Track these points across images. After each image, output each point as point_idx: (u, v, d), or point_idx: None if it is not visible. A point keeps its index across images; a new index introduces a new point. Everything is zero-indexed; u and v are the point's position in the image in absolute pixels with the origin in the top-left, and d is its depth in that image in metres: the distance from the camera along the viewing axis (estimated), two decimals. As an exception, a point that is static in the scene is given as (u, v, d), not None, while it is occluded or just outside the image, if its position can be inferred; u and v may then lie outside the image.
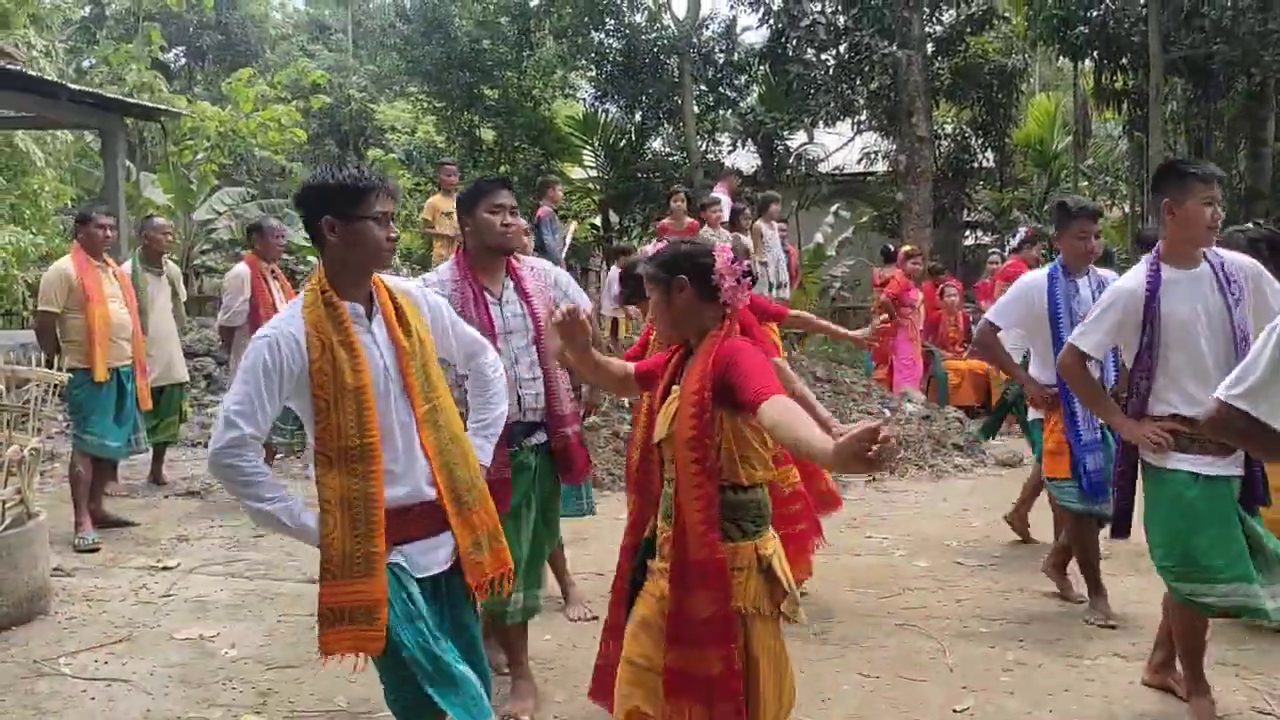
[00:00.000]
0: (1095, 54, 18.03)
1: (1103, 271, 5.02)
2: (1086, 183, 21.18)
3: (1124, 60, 17.72)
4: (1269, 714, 3.88)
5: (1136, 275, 3.85)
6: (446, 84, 18.62)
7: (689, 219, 10.40)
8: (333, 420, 2.66)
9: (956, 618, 5.04)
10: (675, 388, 2.79)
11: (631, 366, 3.09)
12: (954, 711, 3.97)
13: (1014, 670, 4.37)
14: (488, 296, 3.95)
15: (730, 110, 19.75)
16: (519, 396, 3.90)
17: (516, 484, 3.89)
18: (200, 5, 25.21)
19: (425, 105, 20.63)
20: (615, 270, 11.57)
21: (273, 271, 7.47)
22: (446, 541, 2.84)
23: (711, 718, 2.62)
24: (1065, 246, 4.93)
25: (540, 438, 4.01)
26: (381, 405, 2.71)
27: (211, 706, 4.05)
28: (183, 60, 33.50)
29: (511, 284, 4.03)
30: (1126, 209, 21.21)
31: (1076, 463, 4.78)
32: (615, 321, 11.53)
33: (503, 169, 18.38)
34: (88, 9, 27.42)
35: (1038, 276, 5.02)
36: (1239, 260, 3.80)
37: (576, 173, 20.47)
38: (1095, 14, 17.23)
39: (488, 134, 19.54)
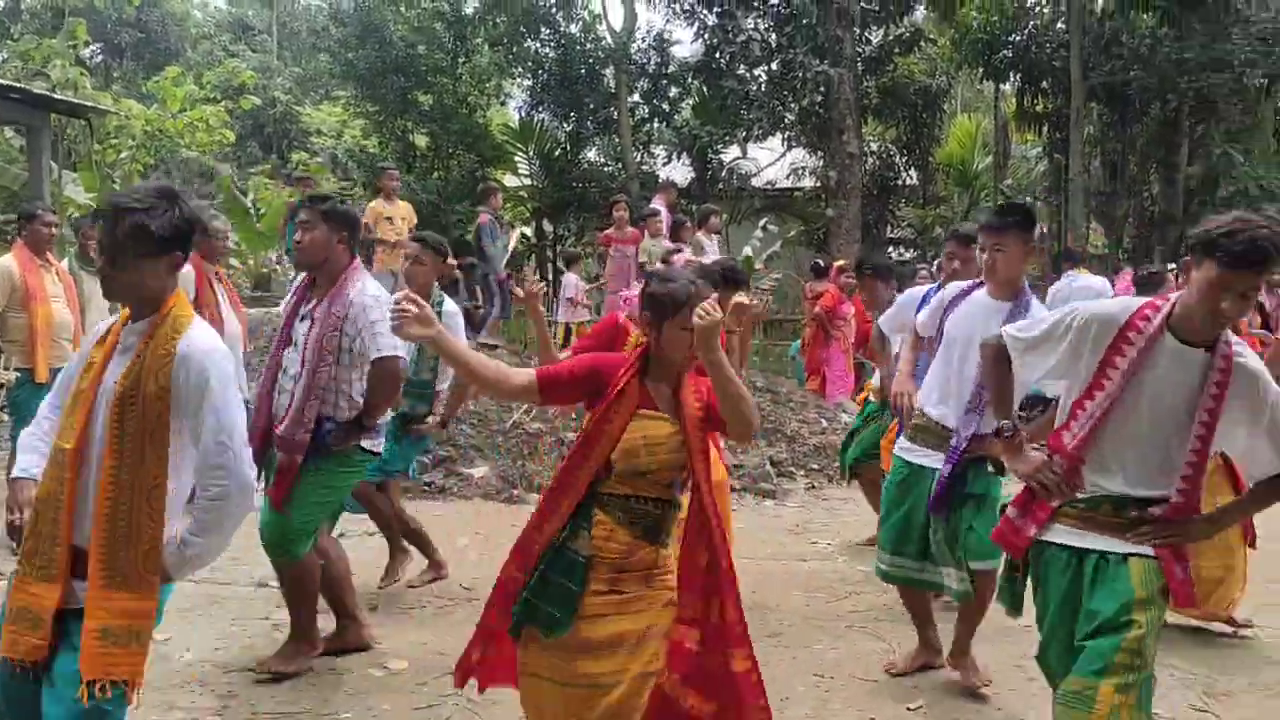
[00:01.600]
0: (1017, 77, 18.64)
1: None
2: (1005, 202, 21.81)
3: (1045, 84, 18.35)
4: (1205, 711, 4.10)
5: (958, 285, 4.33)
6: (380, 89, 18.53)
7: (630, 229, 10.52)
8: (63, 415, 2.65)
9: (903, 620, 5.15)
10: (646, 411, 2.86)
11: (531, 375, 2.90)
12: (908, 710, 4.12)
13: (961, 670, 4.54)
14: (303, 308, 4.22)
15: (665, 123, 19.96)
16: (275, 402, 4.20)
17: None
18: (120, 1, 24.65)
19: (356, 109, 20.46)
20: (570, 276, 11.63)
21: (217, 274, 7.35)
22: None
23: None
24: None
25: None
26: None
27: (172, 709, 4.01)
28: (100, 57, 32.69)
29: (324, 304, 4.18)
30: (1044, 229, 21.86)
31: None
32: (568, 328, 11.58)
33: (436, 175, 18.34)
34: (1, 3, 26.63)
35: (918, 291, 5.35)
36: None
37: (511, 180, 20.48)
38: (1018, 39, 17.82)
39: (421, 140, 19.45)
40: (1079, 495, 2.84)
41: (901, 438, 4.36)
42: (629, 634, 2.80)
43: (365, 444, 4.32)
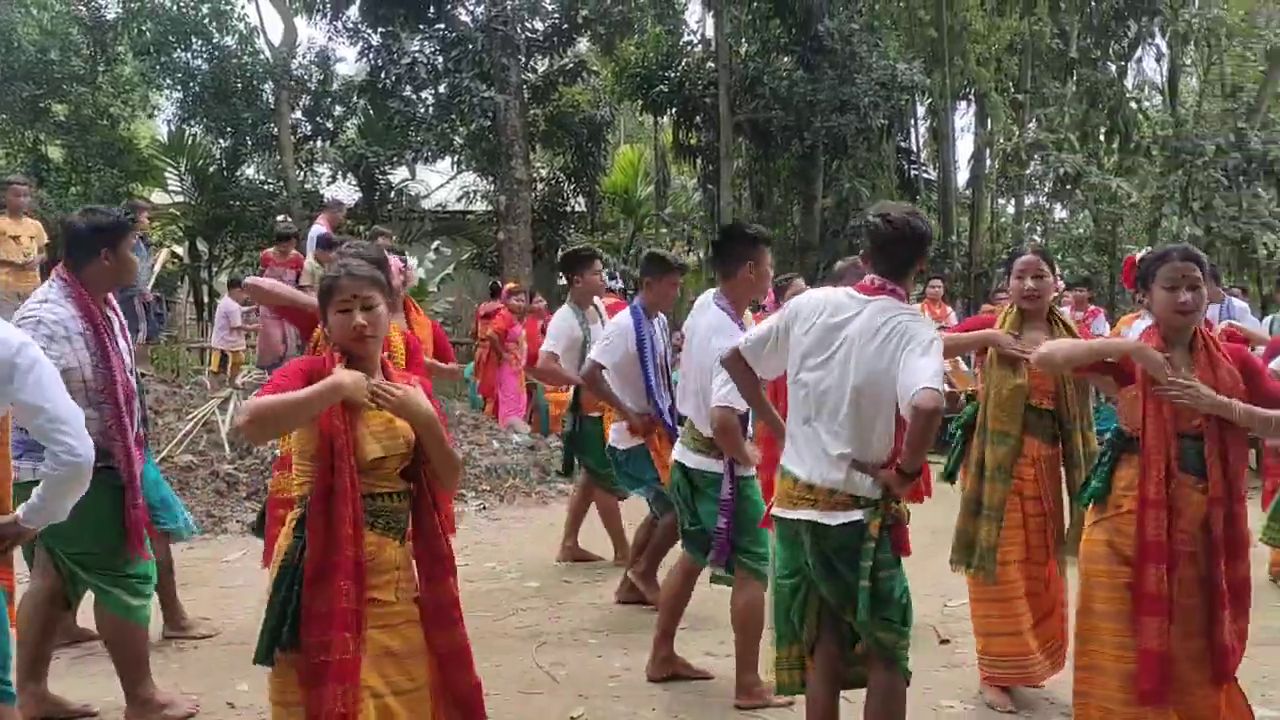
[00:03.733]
0: (673, 111, 19.70)
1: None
2: (666, 229, 22.90)
3: (698, 119, 19.49)
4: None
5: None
6: (6, 96, 16.86)
7: (295, 253, 10.20)
8: None
9: (568, 632, 5.37)
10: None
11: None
12: (571, 718, 4.26)
13: (620, 676, 4.75)
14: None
15: (329, 141, 19.45)
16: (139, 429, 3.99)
17: None
18: None
19: (-24, 118, 18.49)
20: (228, 301, 11.08)
21: None
22: None
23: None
24: (655, 294, 5.51)
25: None
26: None
27: None
28: None
29: (110, 312, 3.99)
30: (700, 255, 23.21)
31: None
32: (224, 355, 11.00)
33: (74, 190, 16.90)
34: None
35: (625, 319, 5.49)
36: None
37: (160, 197, 19.22)
38: (673, 75, 18.83)
39: (56, 152, 17.88)
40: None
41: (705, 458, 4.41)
42: (394, 650, 2.87)
43: None
